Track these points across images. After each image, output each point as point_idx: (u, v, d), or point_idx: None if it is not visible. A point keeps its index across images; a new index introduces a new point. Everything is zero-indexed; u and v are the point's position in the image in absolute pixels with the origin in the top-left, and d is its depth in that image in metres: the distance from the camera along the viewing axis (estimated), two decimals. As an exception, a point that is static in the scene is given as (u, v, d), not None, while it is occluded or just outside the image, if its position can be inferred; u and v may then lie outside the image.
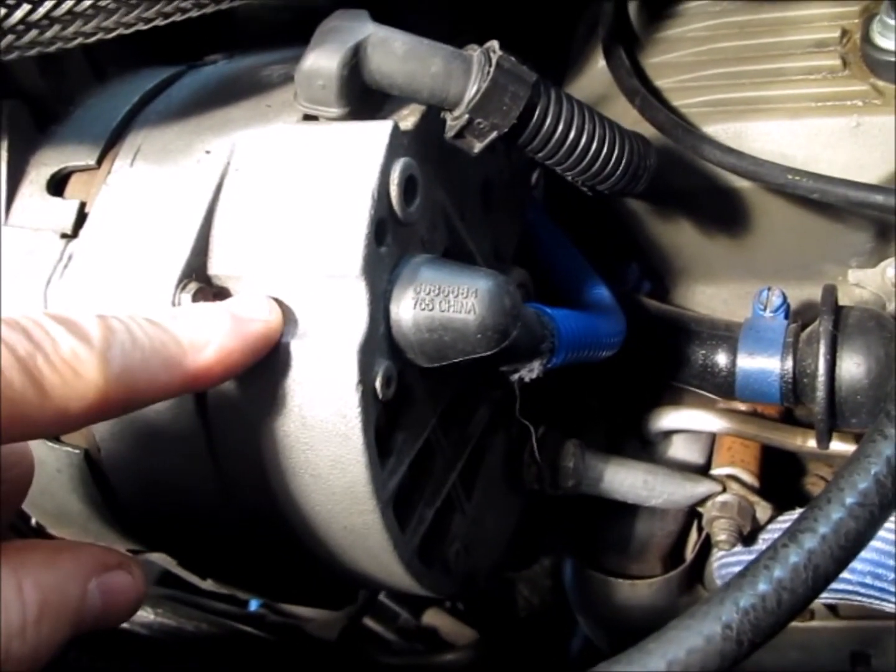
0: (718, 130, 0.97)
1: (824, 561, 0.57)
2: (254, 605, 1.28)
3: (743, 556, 1.04)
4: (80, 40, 0.60)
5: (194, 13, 0.63)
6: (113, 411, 0.53)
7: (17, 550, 0.52)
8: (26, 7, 0.56)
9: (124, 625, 1.10)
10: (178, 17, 0.63)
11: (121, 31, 0.61)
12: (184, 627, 1.10)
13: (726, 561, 1.06)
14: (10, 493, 0.59)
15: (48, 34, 0.58)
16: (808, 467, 1.11)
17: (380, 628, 1.44)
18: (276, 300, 0.64)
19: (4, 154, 0.74)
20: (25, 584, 0.50)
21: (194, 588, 1.11)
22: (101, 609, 0.55)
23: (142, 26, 0.62)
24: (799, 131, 0.96)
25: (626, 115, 0.96)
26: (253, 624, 1.15)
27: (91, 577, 0.54)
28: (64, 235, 0.71)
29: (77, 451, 0.73)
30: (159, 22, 0.62)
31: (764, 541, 1.03)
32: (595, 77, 1.09)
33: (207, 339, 0.58)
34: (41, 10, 0.57)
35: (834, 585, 0.68)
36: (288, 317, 0.64)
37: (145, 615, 1.12)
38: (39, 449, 0.72)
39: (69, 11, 0.57)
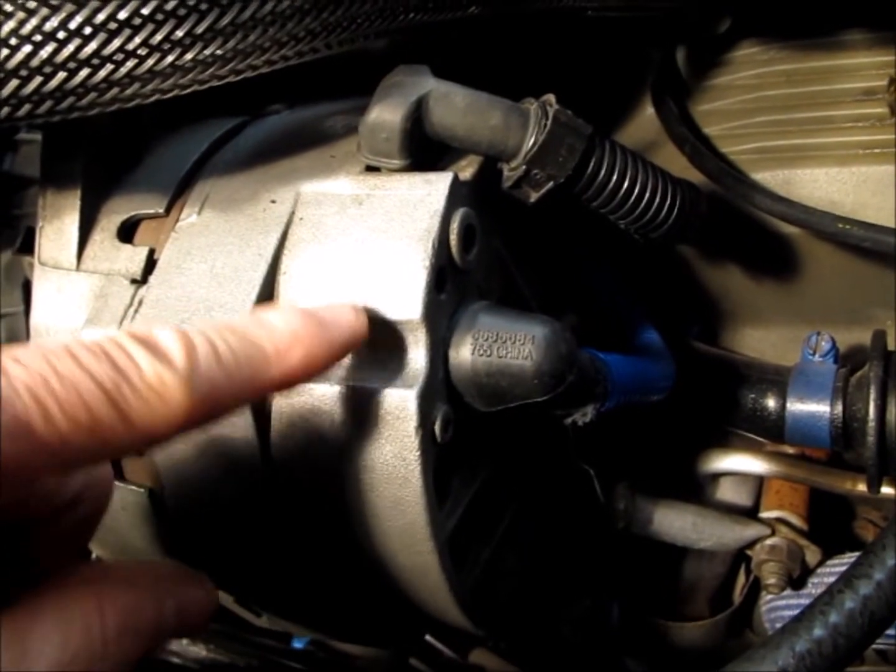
0: (767, 177, 0.99)
1: (880, 607, 0.57)
2: (297, 643, 1.29)
3: (792, 599, 1.04)
4: (157, 96, 0.63)
5: (265, 69, 0.66)
6: (196, 427, 0.52)
7: (99, 573, 0.54)
8: (110, 67, 0.59)
9: (177, 660, 1.13)
10: (249, 74, 0.65)
11: (195, 87, 0.64)
12: (235, 663, 1.12)
13: (775, 605, 1.06)
14: (89, 513, 0.59)
15: (129, 91, 0.61)
16: (857, 511, 1.11)
17: (424, 667, 1.44)
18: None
19: (78, 202, 0.77)
20: (106, 606, 0.51)
21: (244, 624, 1.12)
22: (177, 623, 0.56)
23: (215, 83, 0.65)
24: (847, 179, 0.97)
25: (674, 162, 0.97)
26: (302, 661, 1.16)
27: (167, 594, 0.55)
28: (134, 281, 0.74)
29: (141, 489, 0.75)
30: (231, 79, 0.65)
31: (813, 585, 1.03)
32: (643, 124, 1.10)
33: (292, 343, 0.56)
34: (123, 70, 0.60)
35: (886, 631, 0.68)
36: (350, 361, 0.66)
37: (197, 651, 1.13)
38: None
39: (150, 70, 0.60)
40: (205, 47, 0.62)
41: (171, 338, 0.51)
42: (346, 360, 0.66)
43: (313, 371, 0.58)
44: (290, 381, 0.57)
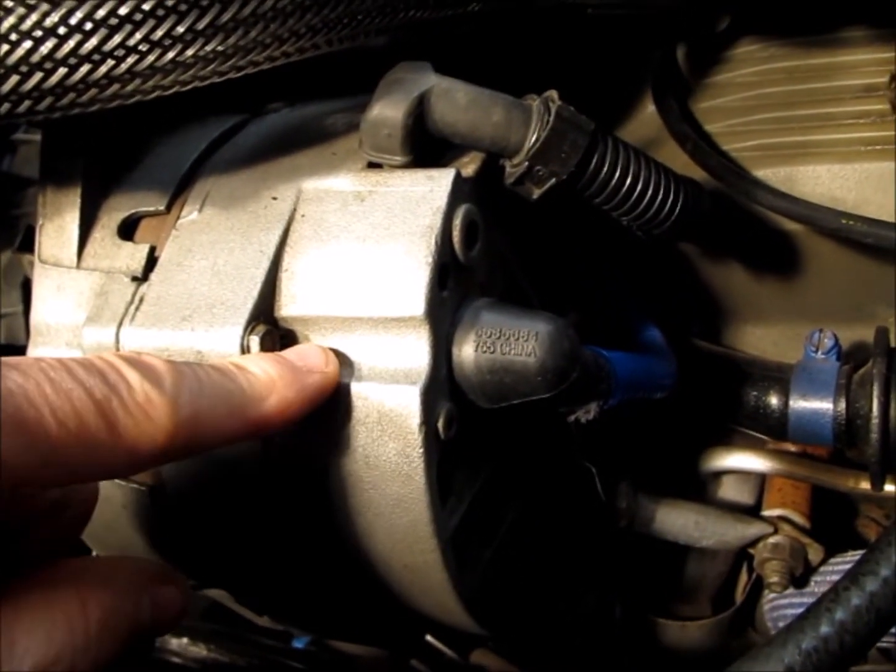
0: (768, 174, 0.99)
1: (886, 604, 0.57)
2: (298, 642, 1.29)
3: (795, 598, 1.03)
4: (158, 93, 0.63)
5: (266, 66, 0.66)
6: (178, 454, 0.54)
7: (80, 569, 0.54)
8: (110, 63, 0.59)
9: (177, 660, 1.12)
10: (250, 70, 0.65)
11: (196, 83, 0.64)
12: (236, 663, 1.11)
13: (778, 603, 1.06)
14: (77, 515, 0.61)
15: (129, 88, 0.61)
16: (860, 509, 1.10)
17: (425, 668, 1.43)
18: (335, 350, 0.66)
19: (78, 200, 0.76)
20: (88, 603, 0.52)
21: (245, 624, 1.12)
22: (151, 621, 0.56)
23: (216, 79, 0.64)
24: (849, 175, 0.97)
25: (675, 159, 0.97)
26: (303, 661, 1.16)
27: (144, 591, 0.56)
28: (135, 278, 0.73)
29: (143, 487, 0.75)
30: (232, 75, 0.65)
31: (816, 583, 1.03)
32: (644, 121, 1.10)
33: (269, 389, 0.59)
34: (123, 66, 0.59)
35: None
36: (353, 359, 0.66)
37: (198, 651, 1.13)
38: (107, 486, 0.74)
39: (150, 66, 0.60)
40: (206, 43, 0.61)
41: (160, 363, 0.54)
42: (349, 358, 0.66)
43: (288, 416, 0.61)
44: (266, 425, 0.60)
